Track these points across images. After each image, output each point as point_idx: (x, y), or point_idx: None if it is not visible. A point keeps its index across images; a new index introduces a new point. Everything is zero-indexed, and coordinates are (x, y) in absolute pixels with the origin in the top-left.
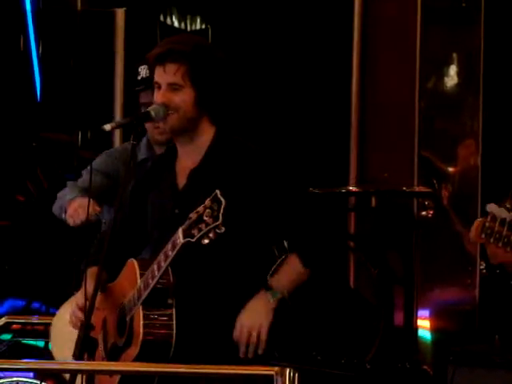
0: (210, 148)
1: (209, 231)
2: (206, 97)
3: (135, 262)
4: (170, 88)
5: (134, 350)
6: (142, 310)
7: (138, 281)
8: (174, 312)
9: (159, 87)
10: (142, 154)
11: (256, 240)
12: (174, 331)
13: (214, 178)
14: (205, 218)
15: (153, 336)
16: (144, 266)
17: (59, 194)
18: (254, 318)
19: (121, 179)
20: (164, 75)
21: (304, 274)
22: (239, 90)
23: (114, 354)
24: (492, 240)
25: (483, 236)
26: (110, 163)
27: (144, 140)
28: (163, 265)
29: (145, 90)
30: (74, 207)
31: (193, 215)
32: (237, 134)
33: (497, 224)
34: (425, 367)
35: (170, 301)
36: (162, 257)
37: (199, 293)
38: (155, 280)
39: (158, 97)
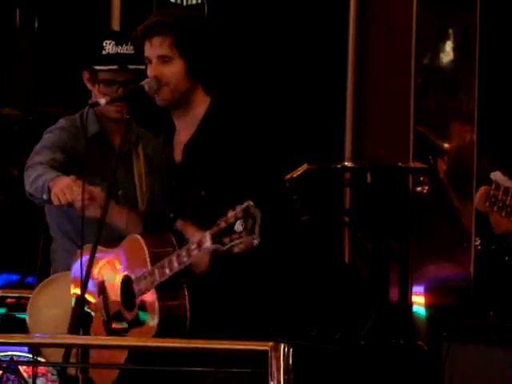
0: (203, 120)
1: (241, 243)
2: (197, 67)
3: (141, 240)
4: (159, 61)
5: (149, 330)
6: (156, 290)
7: (148, 264)
8: (185, 291)
9: (150, 62)
10: (93, 128)
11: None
12: (188, 310)
13: (208, 150)
14: (237, 228)
15: (168, 316)
16: (153, 246)
17: (32, 176)
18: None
19: (78, 154)
20: (152, 49)
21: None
22: (233, 59)
23: (116, 324)
24: (495, 208)
25: (487, 204)
26: (66, 138)
27: (91, 114)
28: (185, 260)
29: (114, 70)
30: (60, 187)
31: (222, 223)
32: (233, 103)
33: (501, 192)
34: (419, 343)
35: (182, 279)
36: (183, 252)
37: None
38: (173, 272)
39: (150, 71)
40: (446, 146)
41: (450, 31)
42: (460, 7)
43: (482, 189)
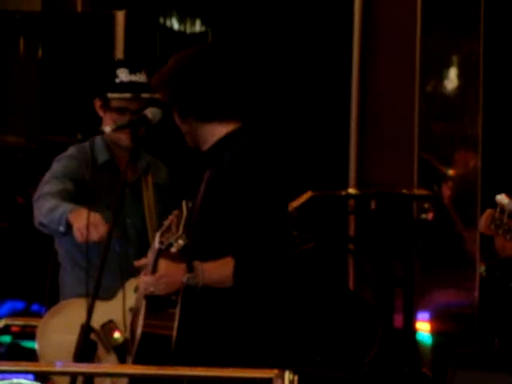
0: (217, 142)
1: (175, 240)
2: (184, 111)
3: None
4: None
5: (135, 345)
6: (146, 307)
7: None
8: (177, 309)
9: None
10: (102, 156)
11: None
12: (175, 329)
13: (210, 172)
14: (172, 227)
15: (153, 331)
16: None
17: (45, 207)
18: (167, 277)
19: (88, 181)
20: None
21: (228, 282)
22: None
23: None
24: (501, 232)
25: (492, 227)
26: (75, 167)
27: (100, 142)
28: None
29: (127, 98)
30: (84, 223)
31: (165, 222)
32: (259, 134)
33: (505, 216)
34: (424, 370)
35: (173, 297)
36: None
37: (201, 293)
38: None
39: None
40: (451, 172)
41: (454, 58)
42: (463, 34)
43: (488, 212)
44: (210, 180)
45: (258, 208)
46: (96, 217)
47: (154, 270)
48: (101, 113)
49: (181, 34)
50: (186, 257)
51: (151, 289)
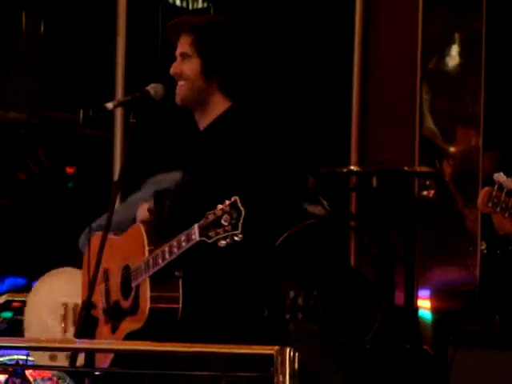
0: (216, 119)
1: (226, 237)
2: (212, 67)
3: (142, 229)
4: (181, 58)
5: (140, 318)
6: (150, 280)
7: (146, 252)
8: (180, 284)
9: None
10: None
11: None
12: (180, 303)
13: (211, 148)
14: (223, 222)
15: (159, 307)
16: (152, 238)
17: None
18: None
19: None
20: (178, 47)
21: None
22: (254, 66)
23: (115, 312)
24: (498, 209)
25: (490, 205)
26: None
27: None
28: (176, 251)
29: None
30: None
31: (210, 215)
32: (249, 111)
33: (503, 194)
34: (425, 347)
35: (177, 273)
36: (174, 243)
37: (204, 267)
38: (165, 262)
39: (171, 68)
40: (452, 149)
41: (456, 35)
42: (465, 11)
43: (485, 190)
44: (204, 156)
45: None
46: None
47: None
48: None
49: (183, 9)
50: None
51: None
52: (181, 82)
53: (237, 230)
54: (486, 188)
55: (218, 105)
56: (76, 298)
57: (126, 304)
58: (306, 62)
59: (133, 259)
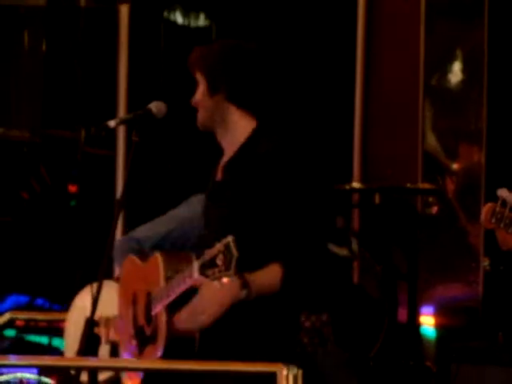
0: (244, 144)
1: (221, 277)
2: (216, 80)
3: (159, 259)
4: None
5: (158, 348)
6: (166, 310)
7: (162, 282)
8: None
9: None
10: None
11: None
12: (197, 333)
13: (243, 173)
14: (218, 262)
15: (176, 339)
16: (169, 267)
17: None
18: (213, 300)
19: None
20: None
21: (276, 290)
22: (275, 86)
23: (141, 338)
24: (502, 225)
25: (493, 221)
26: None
27: None
28: (182, 287)
29: None
30: None
31: (207, 254)
32: (281, 132)
33: (507, 209)
34: (428, 364)
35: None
36: (180, 278)
37: None
38: (176, 295)
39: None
40: (455, 166)
41: (458, 51)
42: (467, 28)
43: (488, 205)
44: (240, 185)
45: (300, 210)
46: None
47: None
48: None
49: (185, 28)
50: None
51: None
52: (198, 110)
53: (229, 271)
54: (490, 204)
55: (241, 124)
56: (110, 311)
57: (148, 331)
58: (309, 78)
59: (153, 287)
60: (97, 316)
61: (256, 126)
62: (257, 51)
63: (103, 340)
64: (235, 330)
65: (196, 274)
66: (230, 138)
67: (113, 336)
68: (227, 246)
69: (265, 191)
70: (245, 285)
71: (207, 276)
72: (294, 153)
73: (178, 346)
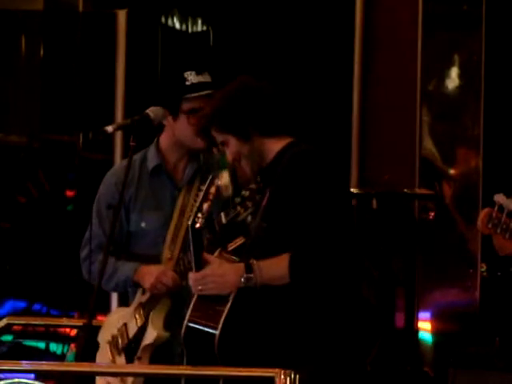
0: (276, 157)
1: (196, 214)
2: (243, 129)
3: None
4: (223, 147)
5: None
6: (196, 298)
7: None
8: (227, 306)
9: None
10: (152, 161)
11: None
12: (220, 325)
13: (275, 184)
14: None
15: (196, 326)
16: None
17: (106, 274)
18: (219, 277)
19: (136, 188)
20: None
21: (285, 279)
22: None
23: None
24: (498, 231)
25: (490, 226)
26: (114, 193)
27: (153, 147)
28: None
29: (194, 98)
30: (154, 277)
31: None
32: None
33: (504, 215)
34: (426, 369)
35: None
36: None
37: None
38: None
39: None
40: (452, 171)
41: (456, 58)
42: (465, 34)
43: (485, 211)
44: (272, 192)
45: (319, 209)
46: (159, 268)
47: (199, 264)
48: (170, 122)
49: (182, 33)
50: (242, 256)
51: (199, 287)
52: (241, 163)
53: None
54: (486, 209)
55: (271, 147)
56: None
57: None
58: (306, 83)
59: None
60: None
61: (289, 142)
62: (259, 83)
63: None
64: (257, 333)
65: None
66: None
67: None
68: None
69: (291, 191)
70: (249, 268)
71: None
72: (322, 159)
73: (196, 340)
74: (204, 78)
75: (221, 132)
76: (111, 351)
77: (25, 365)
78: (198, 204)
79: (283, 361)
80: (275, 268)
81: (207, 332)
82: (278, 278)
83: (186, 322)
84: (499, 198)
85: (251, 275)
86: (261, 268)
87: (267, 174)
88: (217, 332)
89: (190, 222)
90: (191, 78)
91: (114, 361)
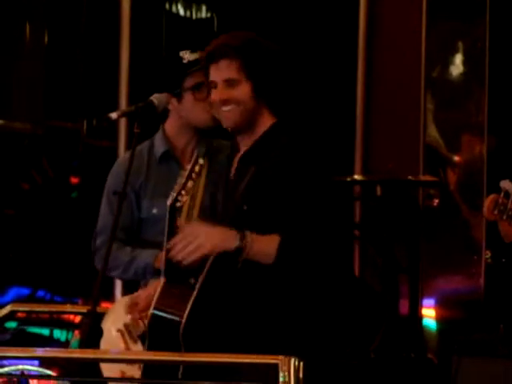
0: (260, 138)
1: (179, 192)
2: (263, 88)
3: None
4: (226, 84)
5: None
6: (162, 286)
7: None
8: (194, 294)
9: (215, 86)
10: (160, 147)
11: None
12: (187, 312)
13: (258, 163)
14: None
15: (162, 313)
16: None
17: (120, 263)
18: (210, 234)
19: (145, 175)
20: (219, 72)
21: (271, 257)
22: (296, 80)
23: None
24: (505, 217)
25: (496, 212)
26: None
27: (159, 134)
28: None
29: (196, 72)
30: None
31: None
32: (294, 126)
33: (510, 201)
34: (430, 356)
35: (192, 280)
36: None
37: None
38: None
39: (216, 95)
40: (456, 158)
41: (460, 44)
42: (469, 21)
43: (491, 197)
44: (258, 173)
45: (310, 193)
46: None
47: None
48: (174, 105)
49: (186, 19)
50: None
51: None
52: (228, 107)
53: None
54: (492, 195)
55: (265, 122)
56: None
57: None
58: (311, 71)
59: None
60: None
61: (274, 122)
62: (280, 50)
63: None
64: (228, 325)
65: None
66: (253, 136)
67: None
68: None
69: (279, 176)
70: (241, 237)
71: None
72: (309, 147)
73: (162, 329)
74: (200, 55)
75: (242, 70)
76: (124, 340)
77: (29, 351)
78: (182, 182)
79: (254, 350)
80: (265, 245)
81: (172, 319)
82: (264, 256)
83: (151, 310)
84: (505, 184)
85: (242, 243)
86: (253, 240)
87: (252, 153)
88: (182, 320)
89: (170, 201)
90: (187, 56)
91: (128, 349)
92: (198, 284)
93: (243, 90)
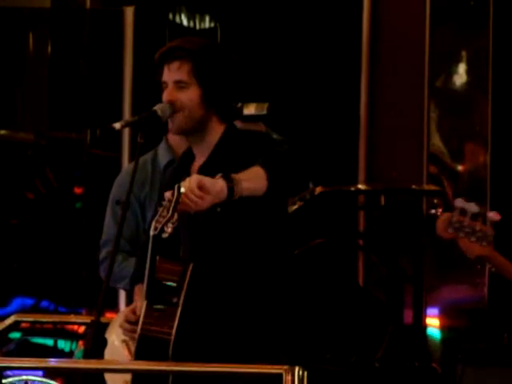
0: (217, 145)
1: (166, 224)
2: (213, 95)
3: None
4: (176, 86)
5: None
6: (146, 305)
7: None
8: (178, 312)
9: (166, 86)
10: (164, 157)
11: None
12: (174, 331)
13: (221, 170)
14: (164, 211)
15: (150, 333)
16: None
17: (124, 274)
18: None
19: (151, 184)
20: (170, 73)
21: (263, 178)
22: (248, 88)
23: None
24: (462, 235)
25: (450, 231)
26: (124, 187)
27: (162, 144)
28: None
29: None
30: None
31: (159, 208)
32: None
33: (467, 218)
34: (434, 365)
35: (175, 299)
36: None
37: (212, 286)
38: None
39: (165, 95)
40: (460, 168)
41: (463, 53)
42: (472, 29)
43: (444, 216)
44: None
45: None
46: None
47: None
48: None
49: (190, 30)
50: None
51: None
52: (177, 111)
53: (169, 214)
54: (445, 214)
55: (215, 129)
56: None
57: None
58: (314, 79)
59: None
60: None
61: (225, 128)
62: (236, 60)
63: None
64: (217, 338)
65: (151, 231)
66: (205, 144)
67: None
68: (172, 191)
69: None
70: (229, 179)
71: (155, 229)
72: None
73: (150, 346)
74: None
75: (193, 73)
76: (129, 350)
77: (33, 362)
78: (169, 215)
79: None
80: (253, 178)
81: (161, 340)
82: (256, 189)
83: (138, 332)
84: (459, 202)
85: (232, 184)
86: (240, 179)
87: (209, 168)
88: (171, 337)
89: (155, 232)
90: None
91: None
92: (180, 300)
93: (192, 95)
